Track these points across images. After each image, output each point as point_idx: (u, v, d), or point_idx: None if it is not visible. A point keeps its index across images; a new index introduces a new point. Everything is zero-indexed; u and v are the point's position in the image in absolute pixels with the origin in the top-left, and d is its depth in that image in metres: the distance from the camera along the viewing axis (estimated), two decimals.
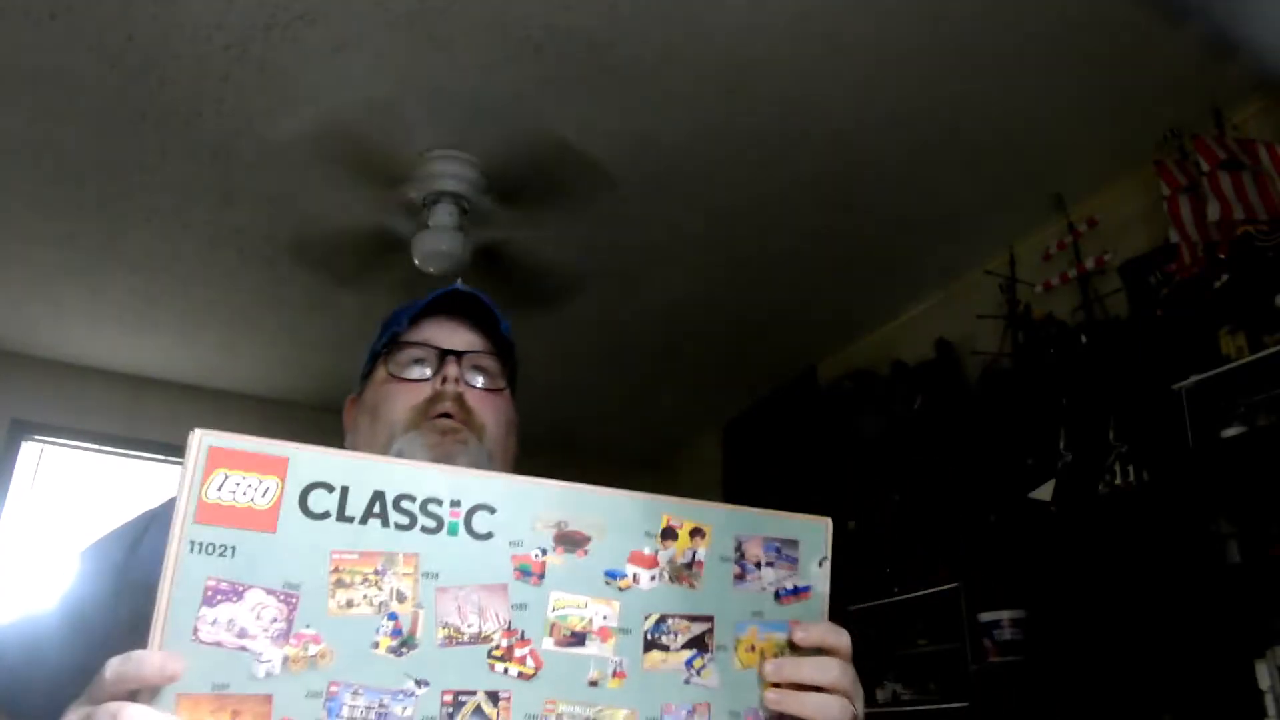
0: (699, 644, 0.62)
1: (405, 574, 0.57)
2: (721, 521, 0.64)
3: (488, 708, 0.56)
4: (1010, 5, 2.15)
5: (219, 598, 0.53)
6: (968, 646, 2.77)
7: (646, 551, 0.61)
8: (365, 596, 0.56)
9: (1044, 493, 2.59)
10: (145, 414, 4.40)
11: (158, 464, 4.45)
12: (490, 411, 0.86)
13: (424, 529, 0.58)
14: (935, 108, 2.51)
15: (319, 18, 2.21)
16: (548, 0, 2.16)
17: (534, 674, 0.57)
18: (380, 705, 0.54)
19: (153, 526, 0.77)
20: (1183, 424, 2.20)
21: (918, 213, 3.01)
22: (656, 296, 3.58)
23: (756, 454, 4.46)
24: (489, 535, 0.59)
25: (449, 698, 0.55)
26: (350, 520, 0.57)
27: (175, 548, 0.53)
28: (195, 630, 0.52)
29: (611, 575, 0.60)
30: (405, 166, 2.76)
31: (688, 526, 0.63)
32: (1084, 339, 2.69)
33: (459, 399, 0.84)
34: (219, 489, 0.54)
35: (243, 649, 0.53)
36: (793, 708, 0.60)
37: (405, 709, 0.54)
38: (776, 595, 0.64)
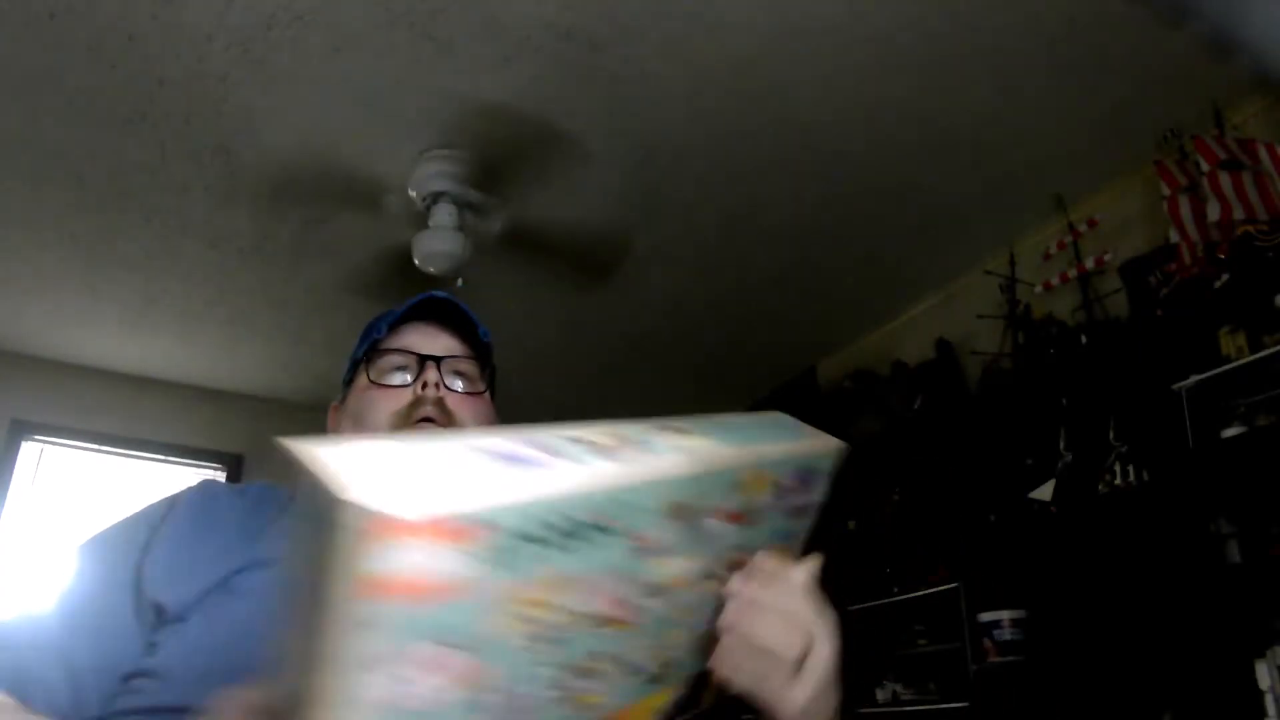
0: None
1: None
2: (779, 462, 0.63)
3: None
4: (1011, 6, 2.15)
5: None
6: (968, 646, 2.76)
7: (733, 508, 0.59)
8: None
9: (1044, 493, 2.59)
10: (145, 414, 4.40)
11: (158, 464, 4.46)
12: (471, 414, 0.87)
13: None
14: (936, 108, 2.51)
15: (319, 18, 2.21)
16: (548, 0, 2.16)
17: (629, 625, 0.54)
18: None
19: (169, 515, 0.78)
20: (1183, 424, 2.20)
21: (918, 213, 3.01)
22: (656, 297, 3.58)
23: None
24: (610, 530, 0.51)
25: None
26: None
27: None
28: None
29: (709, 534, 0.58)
30: (405, 166, 2.76)
31: (759, 477, 0.61)
32: (1084, 339, 2.69)
33: (440, 403, 0.85)
34: (385, 561, 0.39)
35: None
36: (743, 626, 0.60)
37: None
38: (787, 514, 0.65)
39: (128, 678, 0.69)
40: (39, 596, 0.74)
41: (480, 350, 0.92)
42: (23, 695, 0.68)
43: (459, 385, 0.89)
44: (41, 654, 0.69)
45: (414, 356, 0.88)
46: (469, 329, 0.92)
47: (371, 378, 0.88)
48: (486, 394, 0.92)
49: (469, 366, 0.91)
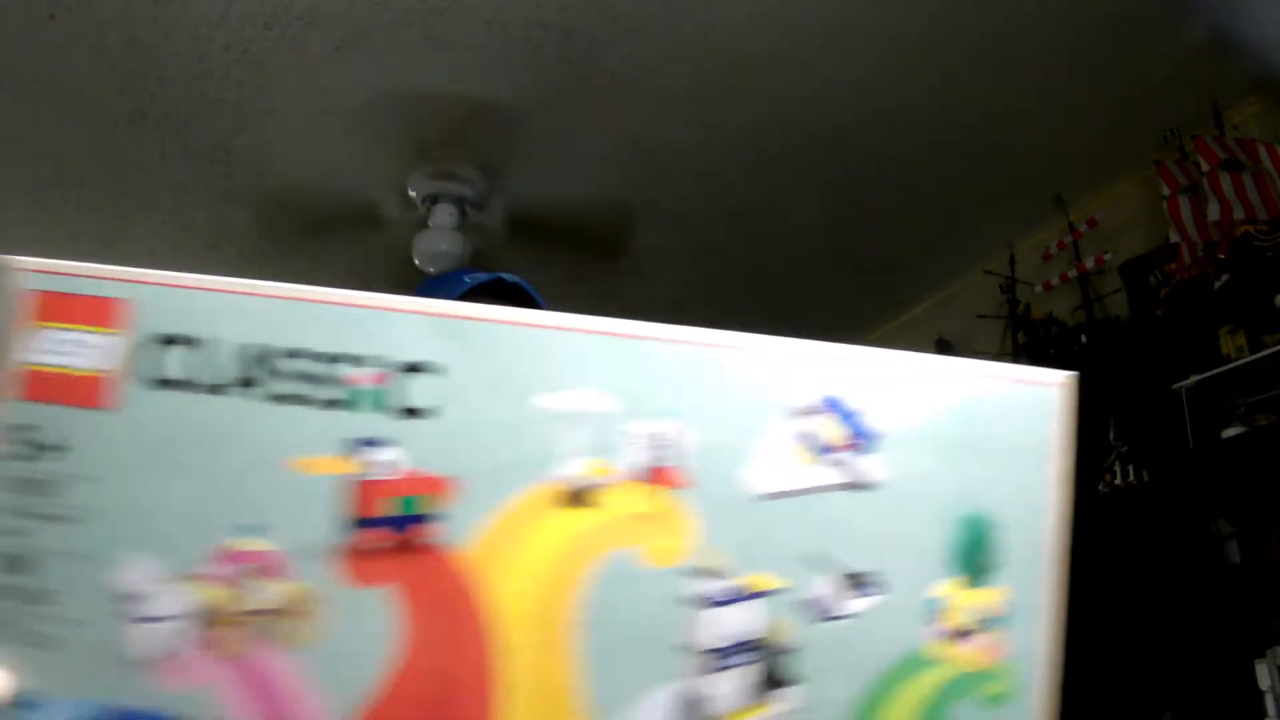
0: None
1: None
2: None
3: None
4: (1011, 5, 2.15)
5: None
6: None
7: None
8: None
9: None
10: None
11: None
12: None
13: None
14: (935, 108, 2.51)
15: (319, 18, 2.21)
16: (548, 0, 2.16)
17: None
18: None
19: None
20: (1183, 424, 2.20)
21: (918, 213, 3.01)
22: (656, 296, 3.58)
23: None
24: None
25: None
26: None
27: None
28: None
29: None
30: (405, 167, 2.76)
31: None
32: (1084, 339, 2.69)
33: None
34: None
35: None
36: None
37: None
38: None
39: None
40: None
41: None
42: None
43: None
44: None
45: None
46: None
47: None
48: None
49: None
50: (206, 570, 0.44)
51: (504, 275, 0.89)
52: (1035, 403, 0.50)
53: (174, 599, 0.44)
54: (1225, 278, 2.26)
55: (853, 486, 0.48)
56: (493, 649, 0.45)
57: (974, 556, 0.48)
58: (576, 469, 0.46)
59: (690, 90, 2.46)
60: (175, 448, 0.45)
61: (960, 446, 0.48)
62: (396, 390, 0.46)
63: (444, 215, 2.76)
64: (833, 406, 0.49)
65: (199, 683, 0.44)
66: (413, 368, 0.46)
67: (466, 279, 0.90)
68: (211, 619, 0.44)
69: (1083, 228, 2.86)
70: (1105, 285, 2.75)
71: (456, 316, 0.47)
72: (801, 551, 0.47)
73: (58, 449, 0.44)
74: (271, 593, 0.44)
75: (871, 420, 0.48)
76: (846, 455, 0.48)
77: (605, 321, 0.48)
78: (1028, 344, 2.91)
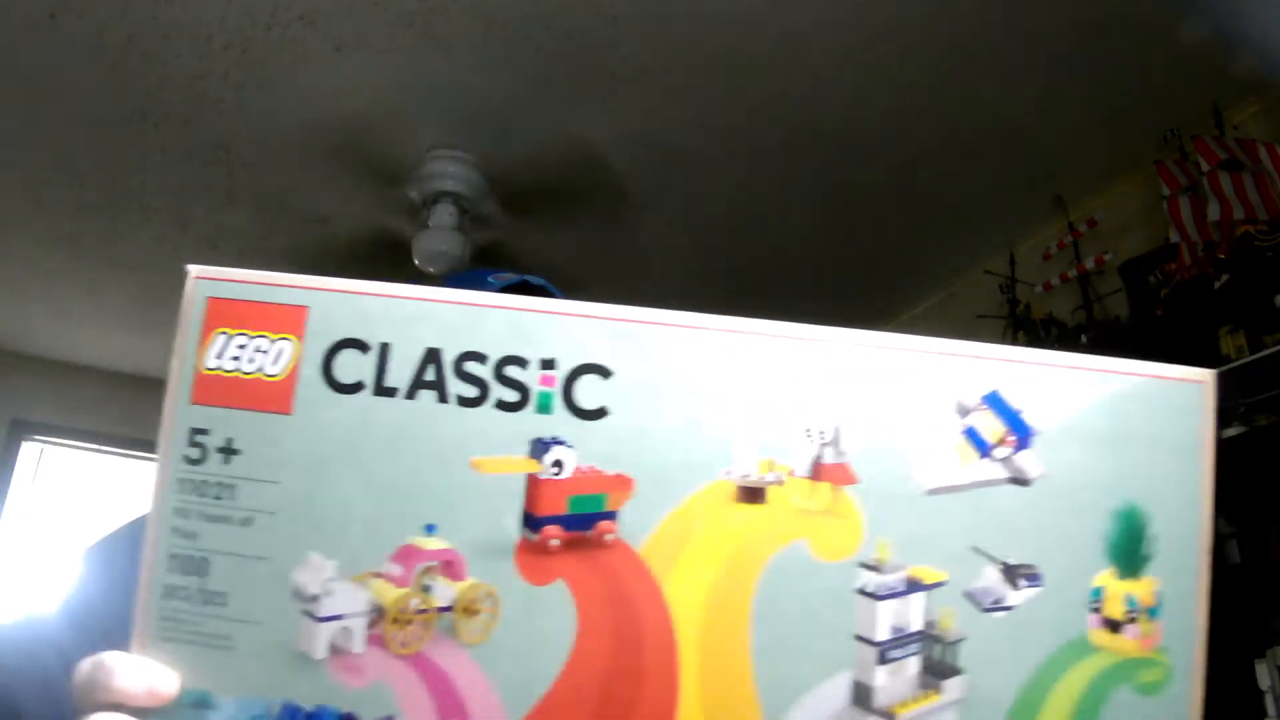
0: None
1: None
2: None
3: None
4: (1010, 5, 2.15)
5: None
6: None
7: None
8: None
9: None
10: (145, 414, 4.39)
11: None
12: None
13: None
14: (935, 108, 2.51)
15: (319, 18, 2.21)
16: (548, 0, 2.16)
17: None
18: None
19: None
20: None
21: (917, 213, 3.01)
22: (656, 295, 3.58)
23: None
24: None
25: None
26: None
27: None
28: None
29: None
30: (405, 166, 2.76)
31: None
32: (1084, 339, 2.69)
33: None
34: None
35: None
36: None
37: None
38: None
39: None
40: (36, 603, 0.74)
41: None
42: (13, 703, 0.67)
43: None
44: (34, 664, 0.68)
45: None
46: None
47: None
48: None
49: None
50: (383, 569, 0.46)
51: (529, 277, 0.89)
52: (1181, 398, 0.52)
53: (350, 597, 0.45)
54: (1225, 278, 2.26)
55: (1012, 481, 0.49)
56: (669, 645, 0.46)
57: (1130, 548, 0.49)
58: (746, 467, 0.48)
59: (690, 90, 2.46)
60: (351, 450, 0.46)
61: (1112, 441, 0.50)
62: (568, 392, 0.48)
63: (444, 215, 2.76)
64: (994, 404, 0.50)
65: (373, 680, 0.45)
66: (583, 370, 0.48)
67: (491, 279, 0.90)
68: (388, 616, 0.45)
69: (1083, 228, 2.86)
70: (1105, 285, 2.75)
71: (625, 320, 0.50)
72: (965, 545, 0.48)
73: (234, 452, 0.45)
74: (448, 590, 0.46)
75: (1029, 417, 0.50)
76: (1007, 451, 0.49)
77: (773, 325, 0.50)
78: (1028, 344, 2.91)
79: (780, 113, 2.54)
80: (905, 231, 3.13)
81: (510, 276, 0.89)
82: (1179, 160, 2.47)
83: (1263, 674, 1.91)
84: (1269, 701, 1.88)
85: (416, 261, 2.80)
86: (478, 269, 0.90)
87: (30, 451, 4.30)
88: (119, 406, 4.36)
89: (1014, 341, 2.96)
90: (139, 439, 4.39)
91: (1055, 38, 2.24)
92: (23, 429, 4.23)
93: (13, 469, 4.19)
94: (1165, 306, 2.45)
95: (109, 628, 0.69)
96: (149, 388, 4.44)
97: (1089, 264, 2.79)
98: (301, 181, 2.86)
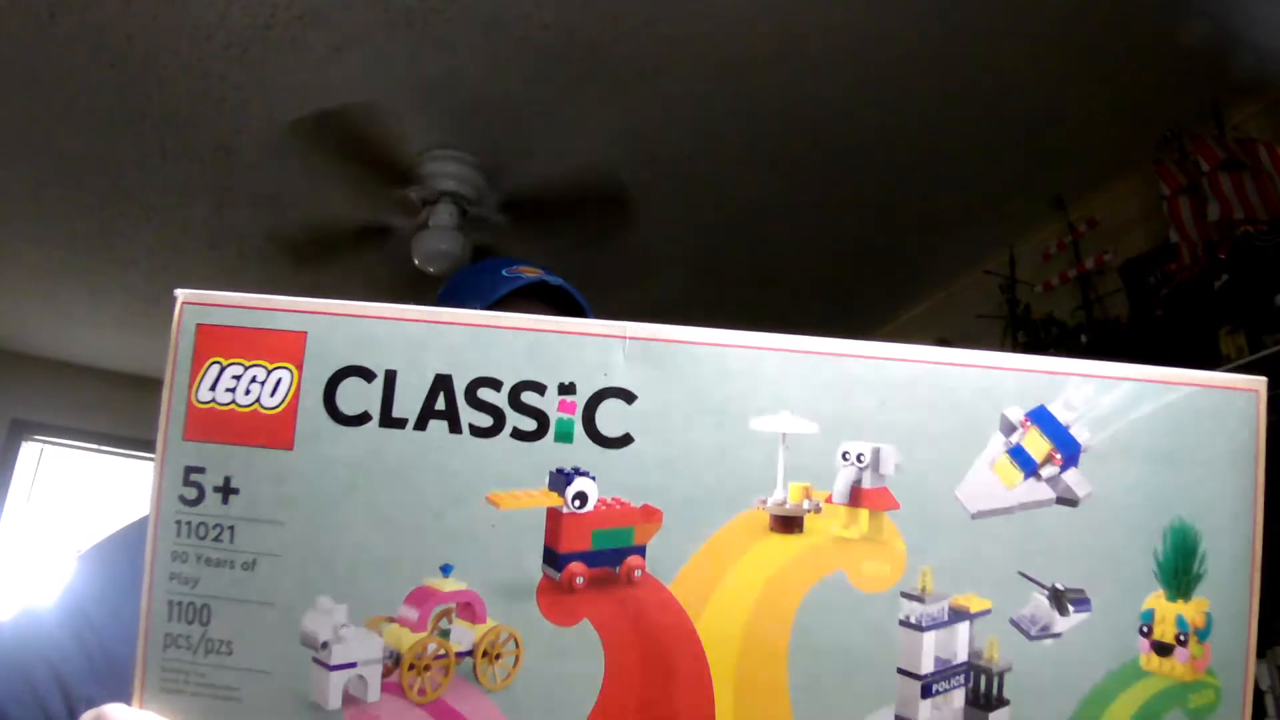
0: None
1: None
2: None
3: None
4: (1010, 6, 2.15)
5: None
6: None
7: None
8: None
9: None
10: (145, 414, 4.39)
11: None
12: None
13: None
14: (935, 108, 2.51)
15: (319, 18, 2.21)
16: (548, 0, 2.16)
17: None
18: None
19: None
20: None
21: (918, 212, 3.01)
22: (656, 296, 3.58)
23: None
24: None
25: None
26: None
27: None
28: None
29: None
30: (405, 166, 2.76)
31: None
32: (1084, 339, 2.68)
33: None
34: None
35: None
36: None
37: None
38: None
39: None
40: (33, 603, 0.73)
41: None
42: (9, 706, 0.66)
43: None
44: (30, 664, 0.67)
45: None
46: (578, 313, 0.85)
47: None
48: None
49: None
50: (398, 612, 0.43)
51: (548, 276, 0.86)
52: (1231, 407, 0.48)
53: (364, 644, 0.42)
54: (1225, 278, 2.26)
55: (1060, 502, 0.47)
56: (705, 686, 0.43)
57: (1181, 567, 0.47)
58: (781, 494, 0.45)
59: (690, 90, 2.46)
60: (359, 487, 0.43)
61: (1162, 456, 0.47)
62: (589, 418, 0.44)
63: (444, 215, 2.76)
64: (1040, 420, 0.48)
65: None
66: (605, 394, 0.45)
67: (505, 271, 0.88)
68: (405, 663, 0.42)
69: (1083, 228, 2.86)
70: (1105, 285, 2.75)
71: (648, 339, 0.46)
72: (1011, 570, 0.46)
73: (233, 491, 0.42)
74: (467, 634, 0.43)
75: (1077, 432, 0.47)
76: (1054, 470, 0.47)
77: (805, 340, 0.47)
78: (1028, 344, 2.91)
79: (780, 114, 2.54)
80: (905, 231, 3.13)
81: (528, 275, 0.85)
82: (1179, 160, 2.47)
83: (1263, 674, 1.90)
84: (1269, 702, 1.88)
85: (416, 261, 2.80)
86: (489, 259, 0.86)
87: (30, 451, 4.30)
88: (119, 406, 4.36)
89: (1014, 341, 2.96)
90: (138, 439, 4.40)
91: (1055, 39, 2.24)
92: (23, 429, 4.23)
93: (13, 469, 4.19)
94: (1165, 306, 2.45)
95: (103, 638, 0.68)
96: (149, 388, 4.44)
97: (1089, 264, 2.79)
98: (301, 181, 2.86)
